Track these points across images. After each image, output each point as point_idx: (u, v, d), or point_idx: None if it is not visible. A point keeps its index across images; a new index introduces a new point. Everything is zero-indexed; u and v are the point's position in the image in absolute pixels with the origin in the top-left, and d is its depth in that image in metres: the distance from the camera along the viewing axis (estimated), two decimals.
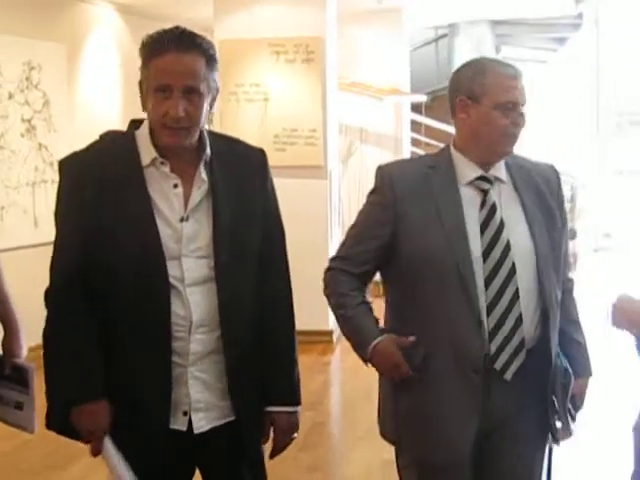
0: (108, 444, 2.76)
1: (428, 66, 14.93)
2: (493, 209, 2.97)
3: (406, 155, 12.16)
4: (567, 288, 3.20)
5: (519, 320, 2.91)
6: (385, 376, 3.09)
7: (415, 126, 13.11)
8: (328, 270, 3.19)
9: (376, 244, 3.03)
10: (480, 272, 2.90)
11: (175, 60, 2.69)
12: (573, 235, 13.81)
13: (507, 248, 2.92)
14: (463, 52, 15.19)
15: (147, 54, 2.72)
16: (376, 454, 3.14)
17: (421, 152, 11.96)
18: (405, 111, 12.37)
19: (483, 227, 2.94)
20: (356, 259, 3.09)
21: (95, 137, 2.92)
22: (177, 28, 2.76)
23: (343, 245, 3.18)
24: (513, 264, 2.91)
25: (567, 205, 14.10)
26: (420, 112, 13.09)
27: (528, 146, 15.46)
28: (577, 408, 3.16)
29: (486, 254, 2.91)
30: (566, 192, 14.39)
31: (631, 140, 16.79)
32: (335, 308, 3.15)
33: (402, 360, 2.96)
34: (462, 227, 2.93)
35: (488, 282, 2.90)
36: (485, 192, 2.99)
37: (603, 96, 16.27)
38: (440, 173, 3.02)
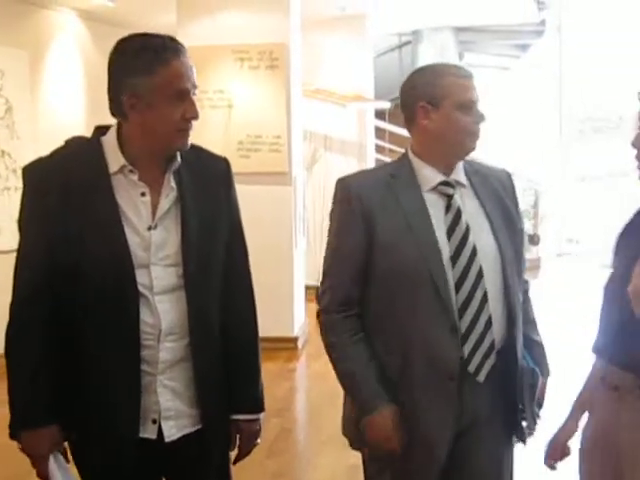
0: (53, 466, 2.74)
1: (392, 73, 14.94)
2: (458, 214, 2.99)
3: (370, 161, 12.20)
4: (526, 289, 3.26)
5: (489, 322, 2.95)
6: (370, 447, 3.06)
7: (379, 133, 13.14)
8: (323, 314, 3.11)
9: (360, 265, 3.00)
10: (450, 277, 2.92)
11: (186, 64, 2.70)
12: (536, 240, 13.91)
13: (474, 252, 2.95)
14: (426, 59, 15.24)
15: (149, 61, 2.66)
16: (342, 459, 3.14)
17: (385, 159, 12.00)
18: (369, 118, 12.41)
19: (450, 232, 2.96)
20: (350, 296, 3.04)
21: (58, 143, 2.89)
22: (160, 35, 2.75)
23: (333, 286, 3.08)
24: (480, 267, 2.94)
25: (530, 211, 14.29)
26: (384, 119, 13.12)
27: (492, 152, 15.53)
28: (540, 407, 3.18)
29: (454, 259, 2.94)
30: (529, 198, 14.52)
31: (594, 146, 16.93)
32: (336, 361, 3.08)
33: (395, 436, 2.97)
34: (432, 234, 2.95)
35: (458, 286, 2.93)
36: (449, 197, 3.01)
37: (566, 103, 16.40)
38: (402, 181, 3.04)
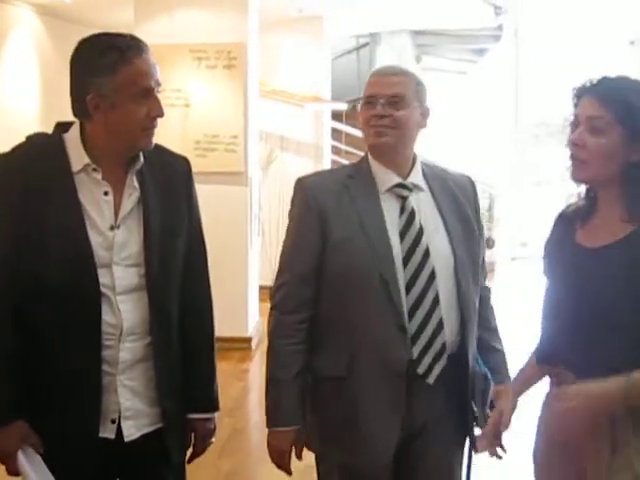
0: (23, 461, 2.72)
1: (349, 74, 14.98)
2: (412, 215, 3.01)
3: (326, 162, 12.21)
4: (485, 296, 3.27)
5: (440, 325, 2.96)
6: (270, 456, 3.14)
7: (335, 134, 13.17)
8: (274, 311, 3.14)
9: (314, 264, 3.03)
10: (401, 278, 2.94)
11: (149, 62, 2.72)
12: (491, 244, 14.00)
13: (426, 253, 2.97)
14: (384, 61, 15.29)
15: (113, 61, 2.66)
16: (295, 460, 3.14)
17: (342, 160, 12.03)
18: (326, 119, 12.42)
19: (403, 233, 2.98)
20: (302, 295, 3.07)
21: (12, 139, 2.87)
22: (123, 34, 2.76)
23: (286, 283, 3.11)
24: (433, 269, 2.96)
25: (485, 214, 14.38)
26: (341, 120, 13.15)
27: (448, 155, 15.60)
28: None
29: (406, 260, 2.96)
30: (484, 202, 14.62)
31: (548, 151, 17.07)
32: (269, 362, 3.12)
33: (286, 457, 3.07)
34: (384, 235, 2.97)
35: (409, 287, 2.94)
36: (404, 199, 3.04)
37: (521, 107, 16.52)
38: (359, 182, 3.07)
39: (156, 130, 2.79)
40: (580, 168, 2.70)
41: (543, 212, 16.44)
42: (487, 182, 15.45)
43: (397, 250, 2.96)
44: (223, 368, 6.62)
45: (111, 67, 2.65)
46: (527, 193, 16.60)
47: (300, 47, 11.86)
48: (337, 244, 2.98)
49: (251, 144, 9.00)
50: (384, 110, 2.98)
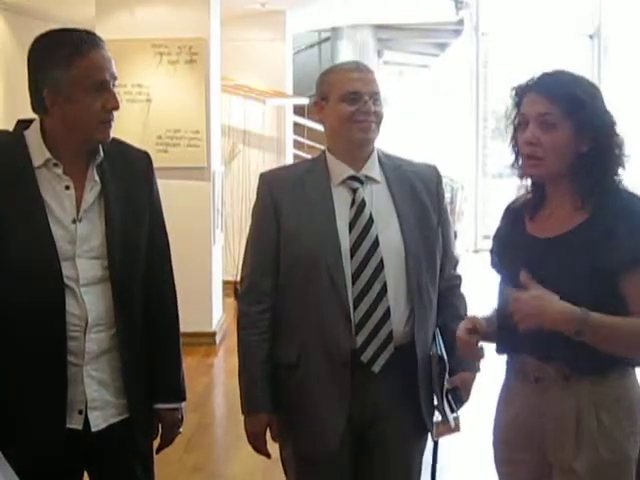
0: None
1: (311, 69, 14.96)
2: (362, 207, 3.08)
3: (289, 157, 12.22)
4: (454, 284, 3.32)
5: (387, 314, 3.02)
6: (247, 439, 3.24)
7: (298, 128, 13.17)
8: (239, 303, 3.24)
9: (271, 256, 3.13)
10: (348, 267, 3.02)
11: (104, 55, 2.75)
12: (454, 236, 14.07)
13: (375, 244, 3.04)
14: (346, 56, 15.33)
15: (68, 55, 2.69)
16: (260, 454, 3.19)
17: (304, 154, 12.04)
18: (288, 113, 12.43)
19: (352, 224, 3.06)
20: (262, 286, 3.16)
21: None
22: (77, 29, 2.79)
23: (248, 274, 3.22)
24: (381, 260, 3.03)
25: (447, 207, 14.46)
26: (303, 114, 13.15)
27: (410, 149, 15.64)
28: (461, 402, 3.23)
29: (354, 250, 3.03)
30: (446, 195, 14.69)
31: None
32: (239, 353, 3.22)
33: (262, 440, 3.19)
34: (332, 225, 3.05)
35: (355, 277, 3.02)
36: (355, 191, 3.10)
37: (482, 101, 16.59)
38: (315, 176, 3.16)
39: (116, 124, 2.80)
40: (536, 165, 2.75)
41: (505, 204, 16.54)
42: (449, 175, 15.53)
43: (345, 241, 3.04)
44: (188, 363, 6.63)
45: (66, 61, 2.69)
46: (489, 186, 16.69)
47: (262, 42, 11.86)
48: (288, 236, 3.08)
49: (213, 139, 8.99)
50: (371, 106, 3.06)
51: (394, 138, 16.34)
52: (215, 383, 8.07)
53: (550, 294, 2.56)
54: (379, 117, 3.10)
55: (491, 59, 17.16)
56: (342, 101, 3.06)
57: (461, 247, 14.65)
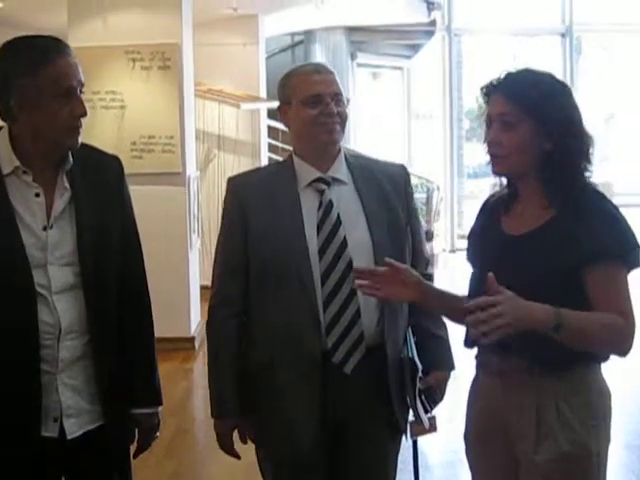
0: None
1: (284, 72, 15.01)
2: (329, 208, 3.10)
3: (264, 160, 12.22)
4: None
5: (356, 315, 3.04)
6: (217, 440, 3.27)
7: (272, 132, 13.16)
8: (209, 308, 3.26)
9: (238, 260, 3.14)
10: (317, 269, 3.03)
11: (71, 62, 2.75)
12: (430, 237, 14.12)
13: (343, 245, 3.05)
14: (319, 58, 15.33)
15: (34, 62, 2.68)
16: (242, 457, 3.20)
17: (278, 157, 12.03)
18: (262, 117, 12.43)
19: (320, 226, 3.07)
20: (230, 291, 3.19)
21: None
22: (43, 35, 2.79)
23: (218, 277, 3.24)
24: (350, 260, 3.04)
25: (422, 208, 14.49)
26: (276, 118, 13.13)
27: (385, 149, 15.63)
28: (436, 401, 3.26)
29: (322, 252, 3.05)
30: (422, 195, 14.74)
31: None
32: (208, 356, 3.25)
33: (229, 445, 3.24)
34: (300, 228, 3.06)
35: (324, 278, 3.04)
36: (322, 192, 3.11)
37: (456, 102, 16.65)
38: (282, 179, 3.17)
39: (90, 131, 2.81)
40: (499, 163, 2.80)
41: (480, 204, 16.60)
42: (424, 175, 15.58)
43: (313, 243, 3.05)
44: (167, 368, 6.60)
45: (32, 68, 2.68)
46: (465, 186, 16.74)
47: (235, 46, 11.86)
48: (256, 239, 3.09)
49: (188, 144, 8.99)
50: (334, 108, 3.07)
51: (369, 140, 16.39)
52: (194, 388, 8.06)
53: (513, 297, 2.56)
54: (343, 117, 3.11)
55: (464, 59, 17.23)
56: (304, 105, 3.07)
57: (438, 247, 14.71)
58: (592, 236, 2.64)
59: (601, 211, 2.71)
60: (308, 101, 3.07)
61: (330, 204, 3.10)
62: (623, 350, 2.69)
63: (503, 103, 2.75)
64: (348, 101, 3.17)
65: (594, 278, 2.65)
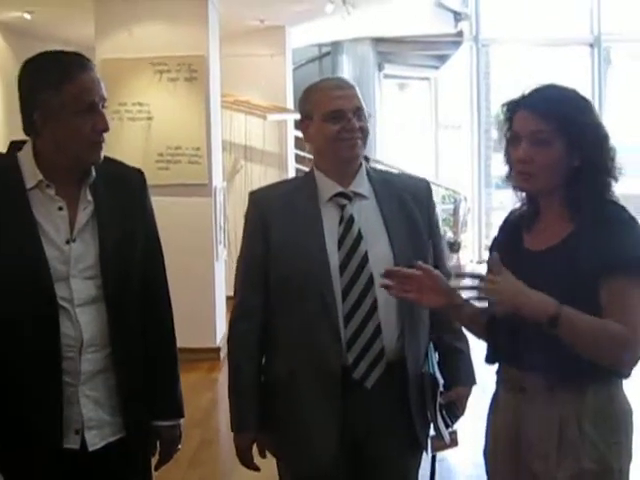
0: None
1: (311, 83, 15.02)
2: (350, 223, 3.08)
3: (291, 171, 12.25)
4: None
5: (377, 330, 3.02)
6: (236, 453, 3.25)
7: (299, 143, 13.17)
8: (230, 320, 3.26)
9: (259, 274, 3.14)
10: (338, 284, 3.02)
11: (93, 78, 2.77)
12: (457, 248, 14.09)
13: (364, 260, 3.04)
14: (346, 70, 15.36)
15: (57, 78, 2.71)
16: (265, 470, 3.18)
17: (305, 168, 12.01)
18: (289, 128, 12.45)
19: (340, 241, 3.06)
20: (251, 304, 3.18)
21: None
22: (66, 51, 2.83)
23: (239, 291, 3.25)
24: (371, 275, 3.02)
25: (449, 219, 14.46)
26: None
27: (413, 161, 15.58)
28: (457, 416, 3.24)
29: (343, 267, 3.03)
30: (449, 206, 14.71)
31: None
32: (229, 369, 3.25)
33: (248, 459, 3.22)
34: (321, 243, 3.05)
35: (345, 294, 3.02)
36: (343, 207, 3.11)
37: (484, 112, 16.59)
38: (304, 193, 3.16)
39: (118, 143, 2.85)
40: (529, 181, 2.77)
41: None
42: (451, 186, 15.54)
43: (334, 258, 3.04)
44: (192, 379, 6.60)
45: (55, 85, 2.71)
46: (492, 196, 16.68)
47: (263, 57, 11.89)
48: (277, 254, 3.08)
49: (214, 155, 9.02)
50: (356, 123, 3.06)
51: (396, 151, 16.38)
52: (219, 398, 8.06)
53: (512, 280, 2.61)
54: (364, 132, 3.10)
55: (492, 70, 17.17)
56: (326, 120, 3.06)
57: (465, 258, 14.68)
58: (610, 247, 2.63)
59: (619, 222, 2.69)
60: (329, 116, 3.06)
61: (351, 219, 3.09)
62: (622, 362, 2.67)
63: (534, 120, 2.72)
64: (370, 115, 3.16)
65: (609, 289, 2.63)
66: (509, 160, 2.85)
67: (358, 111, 3.08)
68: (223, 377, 8.59)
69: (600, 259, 2.62)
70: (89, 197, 2.84)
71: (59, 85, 2.71)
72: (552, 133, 2.69)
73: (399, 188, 3.22)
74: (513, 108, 2.81)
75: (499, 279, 2.59)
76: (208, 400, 7.80)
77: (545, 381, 2.71)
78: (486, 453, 2.98)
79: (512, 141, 2.80)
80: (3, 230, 2.73)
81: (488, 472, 2.99)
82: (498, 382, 2.94)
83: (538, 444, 2.75)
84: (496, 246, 2.99)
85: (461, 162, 17.15)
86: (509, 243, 2.92)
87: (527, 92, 2.80)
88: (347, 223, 3.08)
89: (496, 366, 2.91)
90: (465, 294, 2.81)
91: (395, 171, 3.35)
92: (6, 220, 2.74)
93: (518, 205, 2.96)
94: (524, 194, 2.89)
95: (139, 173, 3.05)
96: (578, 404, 2.69)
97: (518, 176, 2.79)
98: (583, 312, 2.59)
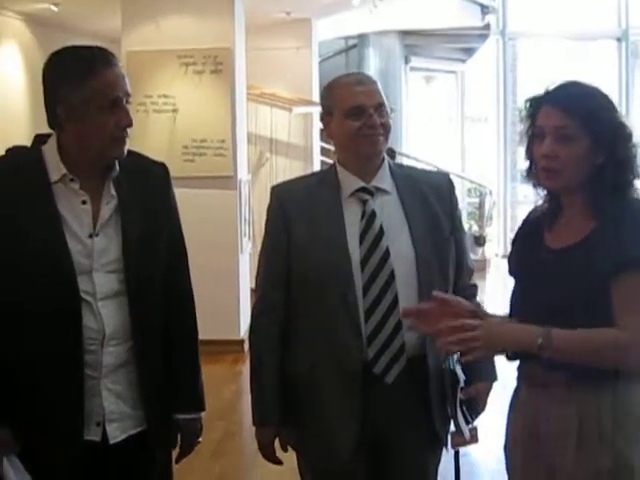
0: (7, 468, 2.75)
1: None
2: (372, 218, 3.08)
3: (316, 164, 12.24)
4: (469, 294, 3.26)
5: (398, 326, 3.01)
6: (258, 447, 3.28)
7: (325, 135, 13.16)
8: (252, 314, 3.31)
9: (280, 268, 3.15)
10: (359, 280, 3.02)
11: (117, 73, 2.77)
12: (482, 242, 14.05)
13: (386, 255, 3.03)
14: (372, 63, 15.33)
15: (80, 73, 2.71)
16: (287, 462, 3.19)
17: (331, 161, 12.01)
18: (315, 121, 12.44)
19: (362, 236, 3.06)
20: (272, 298, 3.19)
21: (1, 151, 2.92)
22: (90, 46, 2.84)
23: (261, 285, 3.25)
24: (392, 271, 3.03)
25: (476, 212, 14.40)
26: None
27: (438, 154, 15.53)
28: (477, 412, 3.24)
29: (364, 262, 3.03)
30: (474, 199, 14.65)
31: None
32: (251, 363, 3.30)
33: (270, 452, 3.25)
34: (342, 237, 3.05)
35: (366, 289, 3.02)
36: (365, 202, 3.10)
37: (510, 105, 16.54)
38: (326, 188, 3.16)
39: (143, 135, 2.85)
40: (553, 178, 2.75)
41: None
42: (477, 180, 15.48)
43: (355, 253, 3.04)
44: (216, 371, 6.62)
45: (79, 80, 2.71)
46: (518, 190, 16.62)
47: (288, 50, 11.89)
48: (299, 249, 3.09)
49: (240, 148, 9.03)
50: (377, 119, 3.05)
51: (422, 144, 16.34)
52: (243, 390, 8.06)
53: (490, 324, 2.70)
54: (386, 128, 3.08)
55: (519, 63, 17.11)
56: (347, 116, 3.05)
57: (490, 252, 14.62)
58: (627, 244, 2.62)
59: (638, 218, 2.68)
60: (351, 112, 3.05)
61: (373, 214, 3.09)
62: (629, 365, 2.65)
63: (560, 116, 2.70)
64: (392, 110, 3.15)
65: (621, 287, 2.61)
66: (530, 156, 2.84)
67: (380, 107, 3.07)
68: (247, 369, 8.53)
69: (617, 256, 2.61)
70: (112, 191, 2.85)
71: (83, 80, 2.71)
72: (576, 129, 2.68)
73: (421, 183, 3.22)
74: (537, 104, 2.79)
75: (477, 324, 2.63)
76: (232, 392, 7.82)
77: (565, 378, 2.71)
78: (506, 448, 2.98)
79: (536, 137, 2.78)
80: (27, 223, 2.74)
81: (508, 467, 2.98)
82: (519, 378, 2.93)
83: (557, 440, 2.75)
84: (515, 243, 2.98)
85: (487, 155, 17.12)
86: (529, 241, 2.91)
87: (551, 88, 2.79)
88: (369, 218, 3.08)
89: (517, 362, 2.90)
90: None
91: (421, 164, 3.32)
92: (30, 213, 2.75)
93: (540, 203, 2.94)
94: (545, 191, 2.88)
95: (162, 167, 3.05)
96: (599, 401, 2.68)
97: (542, 173, 2.78)
98: (603, 311, 2.58)
